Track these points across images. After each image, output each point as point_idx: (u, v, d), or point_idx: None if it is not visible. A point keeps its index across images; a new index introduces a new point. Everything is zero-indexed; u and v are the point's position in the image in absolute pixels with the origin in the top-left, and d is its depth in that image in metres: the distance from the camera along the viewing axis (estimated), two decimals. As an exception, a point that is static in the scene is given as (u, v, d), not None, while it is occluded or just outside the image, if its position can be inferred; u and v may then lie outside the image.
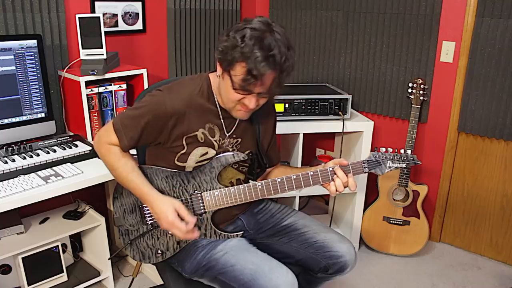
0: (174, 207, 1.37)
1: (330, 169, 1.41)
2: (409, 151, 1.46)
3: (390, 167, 1.44)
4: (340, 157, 2.48)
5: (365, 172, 1.43)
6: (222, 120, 1.47)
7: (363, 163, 1.43)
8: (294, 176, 1.42)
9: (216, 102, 1.45)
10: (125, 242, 1.54)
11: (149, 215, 1.48)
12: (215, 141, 1.46)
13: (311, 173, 1.42)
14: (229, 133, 1.49)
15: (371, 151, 1.48)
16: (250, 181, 1.58)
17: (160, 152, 1.47)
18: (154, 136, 1.43)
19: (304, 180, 1.42)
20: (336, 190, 1.41)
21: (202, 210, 1.45)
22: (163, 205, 1.38)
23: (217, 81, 1.42)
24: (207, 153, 1.45)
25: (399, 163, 1.44)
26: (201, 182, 1.45)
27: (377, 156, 1.44)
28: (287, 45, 1.29)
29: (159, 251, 1.49)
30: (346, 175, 1.40)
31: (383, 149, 1.44)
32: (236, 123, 1.50)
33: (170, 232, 1.45)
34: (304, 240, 1.53)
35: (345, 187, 1.42)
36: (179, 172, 1.45)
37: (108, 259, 2.04)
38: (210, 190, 1.45)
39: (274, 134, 1.67)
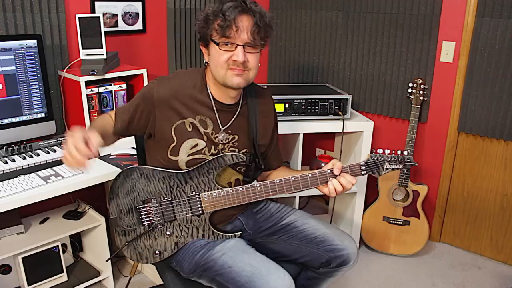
0: (78, 132, 1.23)
1: (329, 171, 1.42)
2: (406, 152, 1.46)
3: (387, 168, 1.45)
4: (340, 157, 2.50)
5: (363, 174, 1.44)
6: (216, 114, 1.47)
7: (361, 165, 1.43)
8: (293, 178, 1.42)
9: (210, 95, 1.46)
10: (122, 243, 1.54)
11: (146, 215, 1.48)
12: (206, 133, 1.46)
13: (310, 175, 1.42)
14: (224, 127, 1.49)
15: (370, 152, 1.48)
16: (248, 182, 1.58)
17: (155, 147, 1.49)
18: (142, 124, 1.46)
19: (303, 182, 1.43)
20: (335, 190, 1.42)
21: (200, 211, 1.45)
22: (78, 131, 1.24)
23: (209, 72, 1.46)
24: (197, 144, 1.46)
25: (396, 165, 1.45)
26: (199, 183, 1.45)
27: (375, 158, 1.44)
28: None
29: (156, 252, 1.49)
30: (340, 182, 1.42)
31: (381, 151, 1.45)
32: (233, 118, 1.50)
33: (167, 231, 1.46)
34: (304, 237, 1.53)
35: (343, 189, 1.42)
36: (176, 173, 1.45)
37: (106, 260, 2.03)
38: (208, 191, 1.45)
39: (274, 137, 1.65)
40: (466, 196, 2.57)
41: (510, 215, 2.44)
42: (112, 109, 2.16)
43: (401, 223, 2.51)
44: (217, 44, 1.36)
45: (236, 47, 1.35)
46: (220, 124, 1.48)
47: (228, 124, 1.50)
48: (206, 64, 1.47)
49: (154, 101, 1.43)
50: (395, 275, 2.41)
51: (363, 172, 1.43)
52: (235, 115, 1.51)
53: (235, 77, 1.38)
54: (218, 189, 1.45)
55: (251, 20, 1.34)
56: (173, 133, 1.44)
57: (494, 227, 2.51)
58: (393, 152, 1.46)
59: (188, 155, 1.45)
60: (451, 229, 2.68)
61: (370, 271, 2.43)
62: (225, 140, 1.50)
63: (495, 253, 2.55)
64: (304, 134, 2.38)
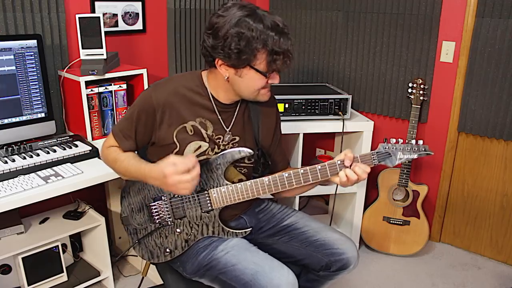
0: (167, 160, 1.29)
1: (339, 162, 1.38)
2: (421, 142, 1.40)
3: (400, 158, 1.39)
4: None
5: (375, 164, 1.39)
6: (218, 115, 1.46)
7: (372, 154, 1.39)
8: (302, 171, 1.40)
9: (210, 97, 1.45)
10: (134, 241, 1.54)
11: (157, 213, 1.48)
12: (207, 134, 1.46)
13: (319, 167, 1.39)
14: (229, 128, 1.49)
15: (382, 142, 1.43)
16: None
17: (158, 154, 1.47)
18: (147, 132, 1.45)
19: (312, 174, 1.39)
20: (348, 180, 1.36)
21: (209, 208, 1.45)
22: (157, 166, 1.31)
23: (221, 75, 1.40)
24: (200, 147, 1.45)
25: (410, 154, 1.39)
26: (208, 179, 1.44)
27: (387, 147, 1.40)
28: (270, 13, 1.35)
29: (167, 250, 1.49)
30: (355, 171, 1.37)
31: (393, 140, 1.40)
32: (234, 119, 1.49)
33: (177, 229, 1.44)
34: (304, 239, 1.53)
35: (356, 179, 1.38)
36: None
37: (117, 259, 2.02)
38: (216, 187, 1.44)
39: (276, 136, 1.64)
40: (466, 196, 2.57)
41: (510, 215, 2.44)
42: (112, 109, 2.16)
43: (401, 223, 2.51)
44: (265, 75, 1.34)
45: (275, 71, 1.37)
46: (224, 126, 1.48)
47: (231, 125, 1.49)
48: (205, 70, 1.46)
49: (154, 107, 1.40)
50: (395, 275, 2.41)
51: (374, 162, 1.39)
52: (235, 115, 1.50)
53: (266, 95, 1.43)
54: (226, 184, 1.44)
55: (290, 42, 1.33)
56: (175, 138, 1.43)
57: (494, 227, 2.51)
58: (408, 141, 1.40)
59: None
60: (451, 229, 2.68)
61: (370, 271, 2.43)
62: (227, 141, 1.49)
63: (495, 253, 2.55)
64: (304, 134, 2.38)
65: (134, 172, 1.42)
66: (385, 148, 1.40)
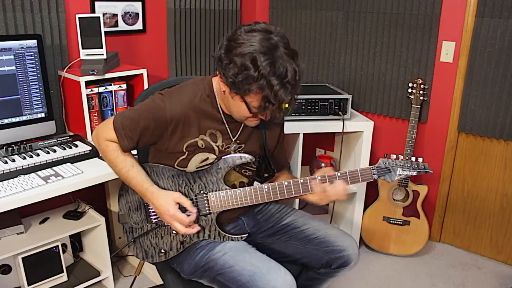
0: (173, 198, 1.38)
1: (339, 174, 1.40)
2: (420, 159, 1.43)
3: (400, 174, 1.41)
4: (340, 157, 2.50)
5: (374, 179, 1.42)
6: (226, 126, 1.46)
7: (372, 169, 1.41)
8: (302, 180, 1.41)
9: (219, 107, 1.45)
10: (129, 239, 1.54)
11: (154, 213, 1.48)
12: (217, 146, 1.46)
13: (319, 177, 1.41)
14: (235, 138, 1.48)
15: (374, 155, 1.45)
16: (255, 183, 1.57)
17: (161, 156, 1.48)
18: (153, 140, 1.44)
19: (312, 184, 1.41)
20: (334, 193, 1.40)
21: (207, 211, 1.45)
22: (162, 198, 1.38)
23: (220, 86, 1.41)
24: (207, 158, 1.45)
25: (410, 171, 1.41)
26: (207, 183, 1.44)
27: (387, 163, 1.41)
28: (292, 55, 1.25)
29: (162, 250, 1.49)
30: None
31: (394, 156, 1.42)
32: (241, 128, 1.49)
33: (173, 230, 1.45)
34: (304, 237, 1.53)
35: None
36: (185, 172, 1.45)
37: (111, 256, 2.01)
38: (215, 191, 1.44)
39: (280, 138, 1.64)
40: (466, 196, 2.57)
41: (510, 215, 2.44)
42: (112, 109, 2.16)
43: (401, 223, 2.51)
44: (250, 111, 1.31)
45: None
46: (231, 135, 1.48)
47: (238, 134, 1.49)
48: (216, 76, 1.45)
49: (166, 119, 1.38)
50: (395, 275, 2.41)
51: (374, 176, 1.41)
52: (242, 125, 1.49)
53: (253, 123, 1.42)
54: (225, 189, 1.44)
55: (289, 99, 1.26)
56: (184, 149, 1.43)
57: (494, 227, 2.51)
58: (407, 158, 1.42)
59: (197, 168, 1.45)
60: (451, 229, 2.68)
61: (370, 271, 2.43)
62: (234, 150, 1.49)
63: (495, 253, 2.55)
64: (304, 134, 2.38)
65: (134, 185, 1.43)
66: (385, 163, 1.42)
